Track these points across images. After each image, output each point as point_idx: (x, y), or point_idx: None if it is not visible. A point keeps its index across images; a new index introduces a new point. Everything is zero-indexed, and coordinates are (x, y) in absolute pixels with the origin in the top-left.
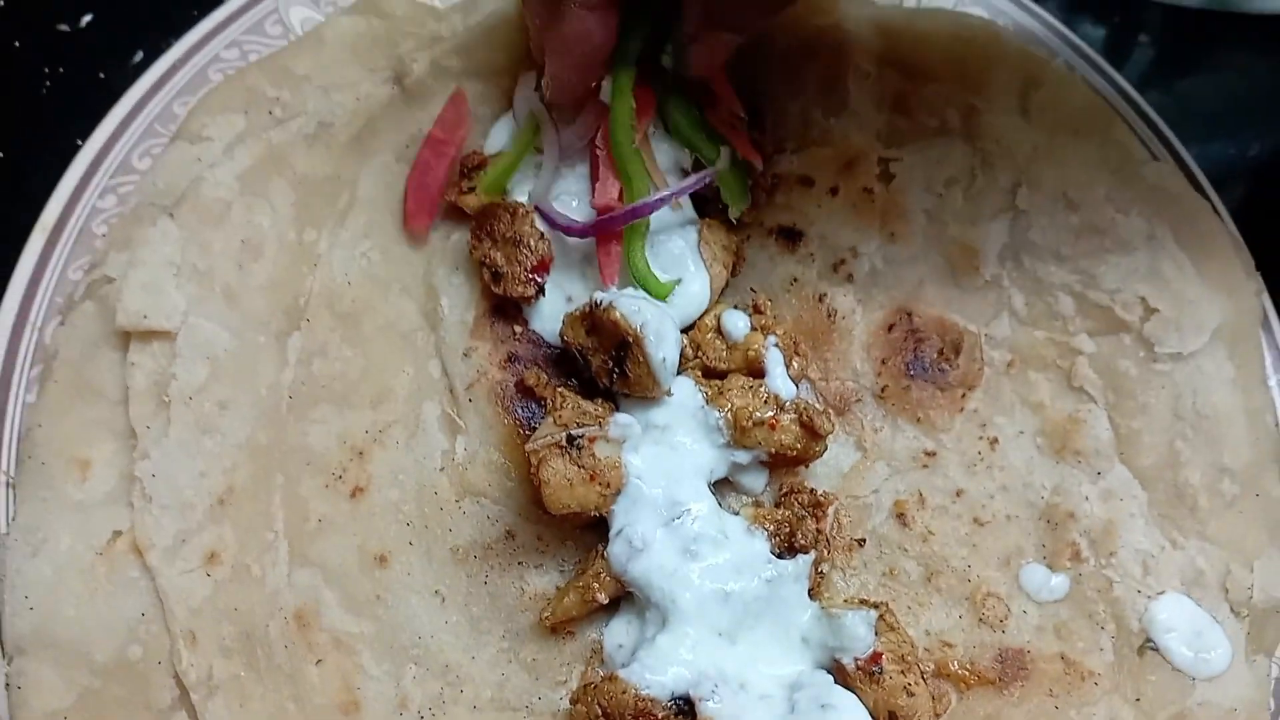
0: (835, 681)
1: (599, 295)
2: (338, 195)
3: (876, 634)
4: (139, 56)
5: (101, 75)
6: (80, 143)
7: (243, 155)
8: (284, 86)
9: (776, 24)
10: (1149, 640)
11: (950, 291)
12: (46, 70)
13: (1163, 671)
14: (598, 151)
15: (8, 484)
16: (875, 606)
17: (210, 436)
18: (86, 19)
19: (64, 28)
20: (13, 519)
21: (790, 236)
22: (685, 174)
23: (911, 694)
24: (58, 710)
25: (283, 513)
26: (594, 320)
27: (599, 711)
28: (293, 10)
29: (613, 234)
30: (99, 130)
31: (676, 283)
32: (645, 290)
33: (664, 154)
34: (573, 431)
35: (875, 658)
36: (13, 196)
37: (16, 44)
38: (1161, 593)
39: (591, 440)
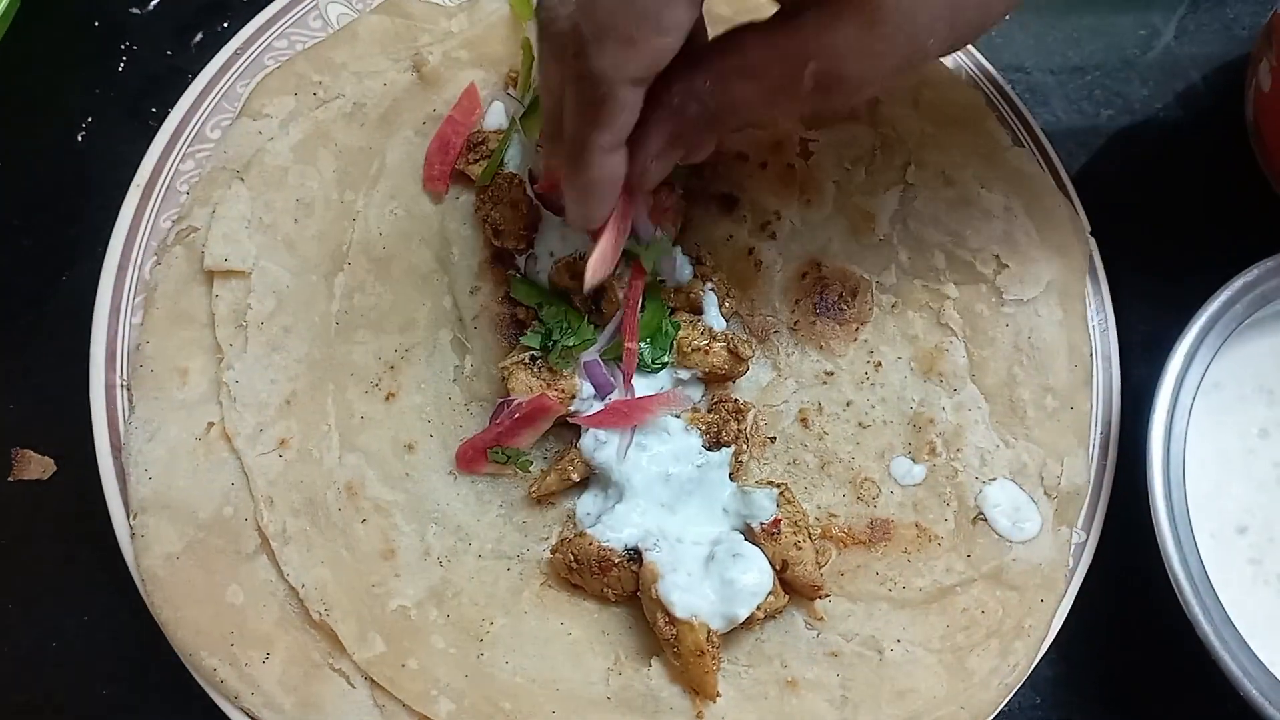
0: (745, 539)
1: (581, 249)
2: (370, 163)
3: (777, 506)
4: (199, 37)
5: (169, 53)
6: (155, 110)
7: (295, 130)
8: (325, 73)
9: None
10: (980, 513)
11: (851, 247)
12: (122, 48)
13: (989, 537)
14: (539, 149)
15: (123, 387)
16: (778, 486)
17: (278, 353)
18: (154, 3)
19: (135, 11)
20: (131, 413)
21: (728, 202)
22: None
23: (800, 549)
24: (171, 554)
25: (334, 411)
26: (576, 268)
27: (572, 558)
28: (331, 8)
29: None
30: (177, 106)
31: (657, 240)
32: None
33: None
34: (535, 351)
35: (775, 523)
36: (107, 158)
37: (96, 24)
38: (993, 479)
39: None
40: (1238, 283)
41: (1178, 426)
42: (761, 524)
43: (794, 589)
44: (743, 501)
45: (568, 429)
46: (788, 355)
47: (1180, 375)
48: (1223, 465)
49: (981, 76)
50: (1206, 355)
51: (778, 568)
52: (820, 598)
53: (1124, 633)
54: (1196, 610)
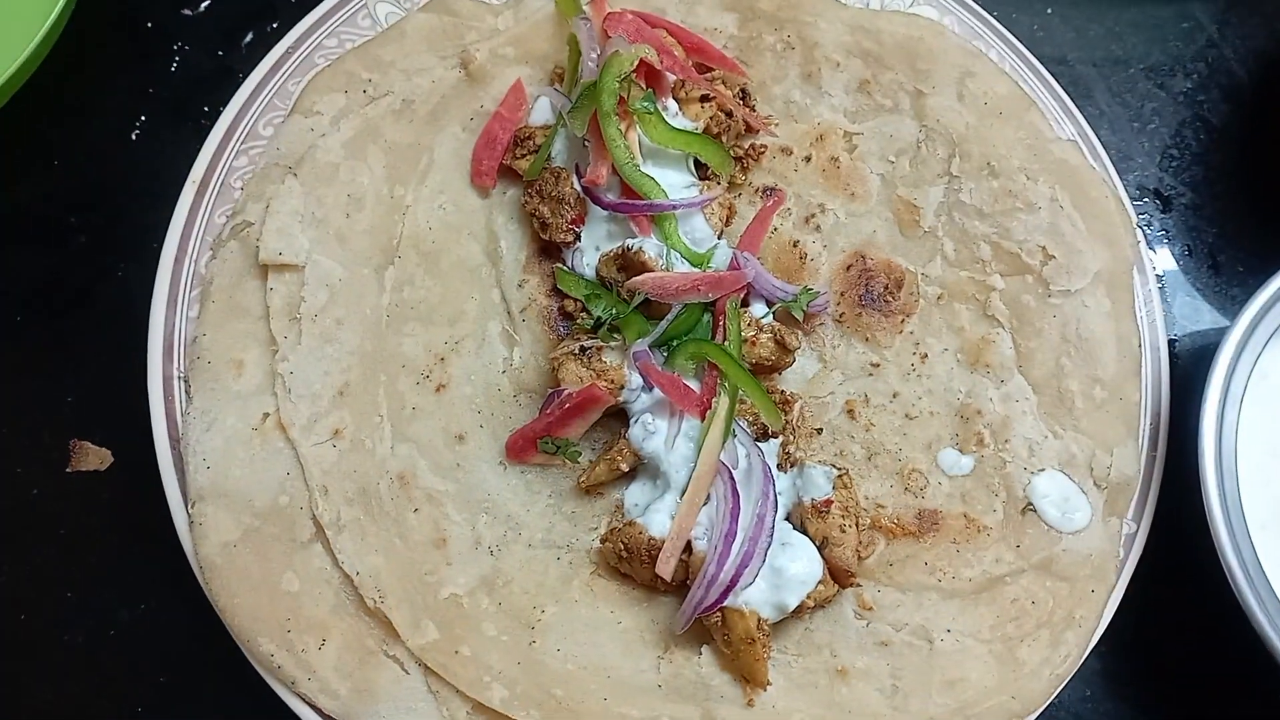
0: (794, 528)
1: (629, 241)
2: (419, 159)
3: (834, 488)
4: (249, 37)
5: (220, 53)
6: (206, 109)
7: (346, 127)
8: (375, 70)
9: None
10: (1030, 504)
11: (896, 239)
12: (174, 48)
13: (1038, 527)
14: (586, 143)
15: (180, 379)
16: (839, 470)
17: (331, 345)
18: (205, 4)
19: (187, 12)
20: (188, 404)
21: (772, 195)
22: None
23: (844, 531)
24: (229, 541)
25: (386, 402)
26: (625, 259)
27: (622, 547)
28: (379, 7)
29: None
30: (231, 104)
31: (713, 249)
32: (688, 261)
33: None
34: (584, 343)
35: (827, 503)
36: (160, 156)
37: (148, 25)
38: (1042, 470)
39: (599, 349)
40: None
41: (1229, 417)
42: (813, 499)
43: (828, 569)
44: (800, 476)
45: (616, 420)
46: (834, 347)
47: (1231, 365)
48: (1273, 456)
49: (1024, 68)
50: (1256, 346)
51: (817, 543)
52: (851, 585)
53: (1175, 624)
54: (1251, 600)
